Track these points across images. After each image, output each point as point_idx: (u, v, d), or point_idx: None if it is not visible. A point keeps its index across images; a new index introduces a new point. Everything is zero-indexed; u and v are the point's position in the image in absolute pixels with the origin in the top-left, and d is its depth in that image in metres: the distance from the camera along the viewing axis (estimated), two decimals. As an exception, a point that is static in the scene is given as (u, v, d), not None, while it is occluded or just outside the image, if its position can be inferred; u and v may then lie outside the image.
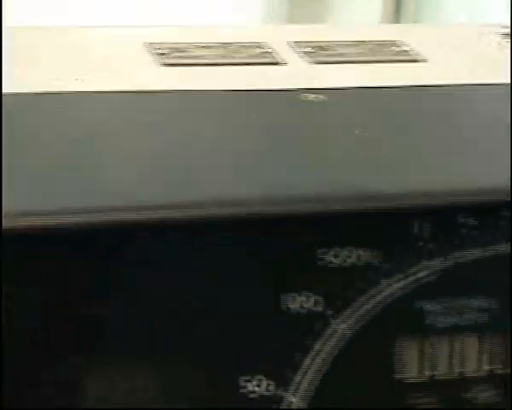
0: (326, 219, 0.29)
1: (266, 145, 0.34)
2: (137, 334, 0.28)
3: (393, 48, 0.43)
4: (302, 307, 0.29)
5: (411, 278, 0.30)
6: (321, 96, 0.34)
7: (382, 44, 0.43)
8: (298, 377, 0.29)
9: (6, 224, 0.25)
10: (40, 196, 0.28)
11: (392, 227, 0.30)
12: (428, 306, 0.31)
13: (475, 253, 0.30)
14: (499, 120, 0.37)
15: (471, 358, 0.31)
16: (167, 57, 0.40)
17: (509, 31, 0.45)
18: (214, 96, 0.36)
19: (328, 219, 0.29)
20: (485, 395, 0.32)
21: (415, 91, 0.38)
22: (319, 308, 0.29)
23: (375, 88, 0.38)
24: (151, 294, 0.28)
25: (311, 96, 0.34)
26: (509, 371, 0.31)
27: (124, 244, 0.27)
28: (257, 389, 0.29)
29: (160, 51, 0.40)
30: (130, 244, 0.27)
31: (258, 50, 0.42)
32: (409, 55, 0.43)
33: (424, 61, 0.42)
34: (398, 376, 0.31)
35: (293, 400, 0.30)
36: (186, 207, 0.28)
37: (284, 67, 0.40)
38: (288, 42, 0.42)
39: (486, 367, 0.31)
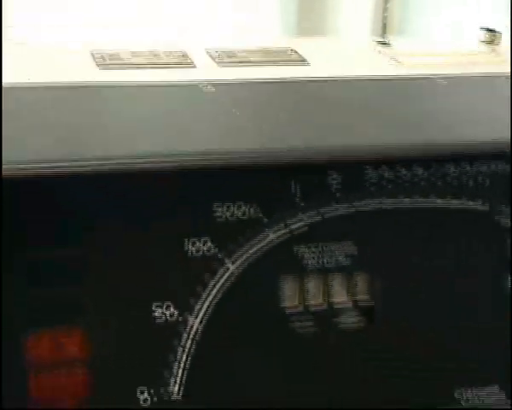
0: (221, 176, 0.37)
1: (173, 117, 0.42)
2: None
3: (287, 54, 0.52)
4: (200, 250, 0.37)
5: (289, 228, 0.38)
6: (213, 88, 0.43)
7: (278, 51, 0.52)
8: (198, 305, 0.37)
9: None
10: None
11: (274, 186, 0.37)
12: (304, 250, 0.38)
13: (341, 208, 0.38)
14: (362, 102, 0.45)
15: (339, 292, 0.39)
16: (105, 61, 0.48)
17: (383, 40, 0.55)
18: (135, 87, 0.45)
19: (222, 177, 0.37)
20: (349, 320, 0.40)
21: (291, 82, 0.47)
22: (215, 251, 0.37)
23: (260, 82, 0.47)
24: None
25: (207, 88, 0.43)
26: (371, 303, 0.40)
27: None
28: (166, 312, 0.37)
29: (101, 57, 0.49)
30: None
31: (180, 55, 0.50)
32: (296, 59, 0.51)
33: (307, 63, 0.51)
34: (281, 306, 0.39)
35: (195, 322, 0.37)
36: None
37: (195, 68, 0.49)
38: (205, 48, 0.52)
39: (351, 299, 0.39)
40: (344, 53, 0.54)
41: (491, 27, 0.54)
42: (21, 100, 0.42)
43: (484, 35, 0.55)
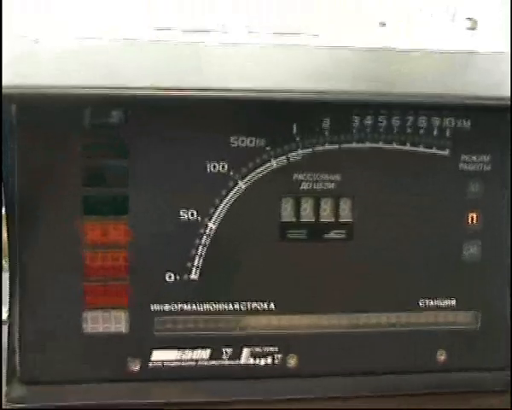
0: (238, 114, 0.48)
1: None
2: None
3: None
4: (219, 170, 0.48)
5: (290, 160, 0.49)
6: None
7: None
8: (214, 212, 0.49)
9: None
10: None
11: (278, 125, 0.48)
12: (301, 176, 0.49)
13: (329, 145, 0.49)
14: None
15: (327, 211, 0.50)
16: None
17: None
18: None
19: (239, 115, 0.48)
20: (335, 235, 0.50)
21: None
22: (230, 172, 0.48)
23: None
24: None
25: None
26: (351, 221, 0.50)
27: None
28: (191, 217, 0.49)
29: None
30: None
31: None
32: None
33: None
34: (282, 220, 0.50)
35: (212, 225, 0.49)
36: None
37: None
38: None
39: (337, 218, 0.50)
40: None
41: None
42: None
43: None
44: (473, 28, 0.61)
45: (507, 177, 0.51)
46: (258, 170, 0.49)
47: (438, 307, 0.52)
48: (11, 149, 0.46)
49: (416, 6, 0.59)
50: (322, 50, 0.56)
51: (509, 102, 0.48)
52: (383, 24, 0.61)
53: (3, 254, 0.48)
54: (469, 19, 0.60)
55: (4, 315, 0.49)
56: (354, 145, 0.49)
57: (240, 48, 0.56)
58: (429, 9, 0.60)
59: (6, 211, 0.46)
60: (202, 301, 0.49)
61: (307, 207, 0.50)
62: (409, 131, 0.49)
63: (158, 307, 0.49)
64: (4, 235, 0.47)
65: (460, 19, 0.61)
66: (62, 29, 0.54)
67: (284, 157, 0.49)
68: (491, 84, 0.54)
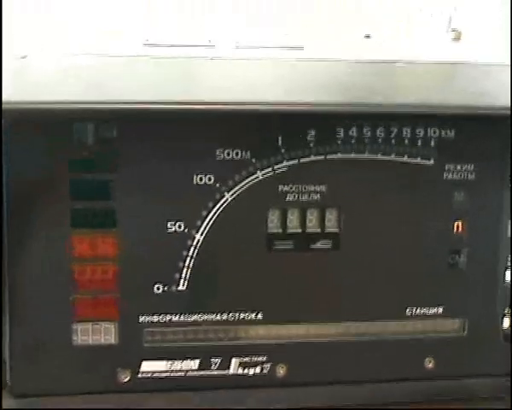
0: (223, 128, 0.48)
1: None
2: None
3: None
4: (206, 183, 0.49)
5: (276, 171, 0.49)
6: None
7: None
8: (202, 224, 0.49)
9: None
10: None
11: (263, 137, 0.49)
12: (286, 188, 0.50)
13: (315, 156, 0.49)
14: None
15: (313, 222, 0.51)
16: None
17: None
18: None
19: (224, 129, 0.48)
20: (322, 245, 0.51)
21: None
22: (217, 185, 0.49)
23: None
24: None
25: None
26: (337, 231, 0.51)
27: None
28: (178, 229, 0.49)
29: None
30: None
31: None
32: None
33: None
34: (268, 231, 0.50)
35: (199, 237, 0.49)
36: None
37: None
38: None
39: (323, 229, 0.51)
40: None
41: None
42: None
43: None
44: (457, 39, 0.62)
45: (496, 184, 0.51)
46: (245, 182, 0.49)
47: (425, 316, 0.53)
48: (2, 162, 0.47)
49: (401, 18, 0.60)
50: (306, 63, 0.57)
51: (491, 112, 0.49)
52: (368, 36, 0.62)
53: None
54: (454, 30, 0.61)
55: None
56: (339, 156, 0.49)
57: (227, 62, 0.57)
58: (415, 20, 0.61)
59: (-5, 225, 0.47)
60: (191, 312, 0.50)
61: (293, 218, 0.50)
62: (393, 141, 0.50)
63: (147, 319, 0.50)
64: (-6, 249, 0.48)
65: (445, 30, 0.61)
66: (51, 45, 0.55)
67: (270, 169, 0.49)
68: (475, 94, 0.54)
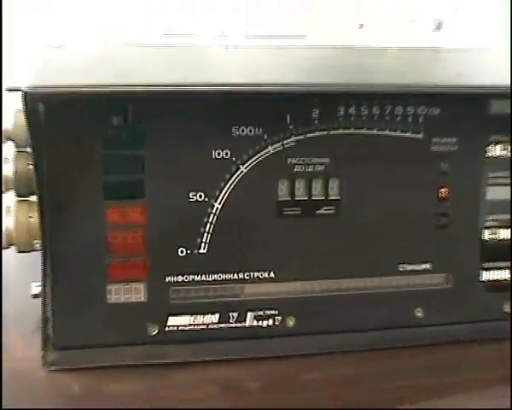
0: (239, 107, 0.54)
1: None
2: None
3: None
4: (223, 157, 0.55)
5: (285, 146, 0.55)
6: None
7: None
8: (220, 193, 0.55)
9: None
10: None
11: (276, 116, 0.55)
12: (294, 160, 0.56)
13: (319, 132, 0.55)
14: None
15: (318, 190, 0.57)
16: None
17: None
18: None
19: (240, 107, 0.54)
20: (325, 211, 0.57)
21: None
22: (233, 158, 0.55)
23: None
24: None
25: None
26: (338, 198, 0.57)
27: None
28: (199, 199, 0.55)
29: None
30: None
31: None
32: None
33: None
34: (278, 199, 0.57)
35: (218, 205, 0.55)
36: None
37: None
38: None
39: (327, 196, 0.57)
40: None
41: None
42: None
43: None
44: (438, 28, 0.68)
45: (476, 155, 0.58)
46: (257, 156, 0.55)
47: (415, 271, 0.59)
48: (40, 143, 0.52)
49: (391, 11, 0.66)
50: (309, 50, 0.63)
51: (470, 91, 0.56)
52: (362, 25, 0.68)
53: (37, 236, 0.54)
54: (436, 19, 0.67)
55: (37, 290, 0.56)
56: (341, 132, 0.56)
57: (238, 50, 0.63)
58: (403, 12, 0.67)
59: (37, 197, 0.53)
60: (211, 272, 0.56)
61: (300, 187, 0.57)
62: (387, 118, 0.56)
63: (172, 279, 0.56)
64: (36, 219, 0.53)
65: (428, 20, 0.68)
66: (84, 36, 0.60)
67: (280, 144, 0.56)
68: (456, 75, 0.61)
